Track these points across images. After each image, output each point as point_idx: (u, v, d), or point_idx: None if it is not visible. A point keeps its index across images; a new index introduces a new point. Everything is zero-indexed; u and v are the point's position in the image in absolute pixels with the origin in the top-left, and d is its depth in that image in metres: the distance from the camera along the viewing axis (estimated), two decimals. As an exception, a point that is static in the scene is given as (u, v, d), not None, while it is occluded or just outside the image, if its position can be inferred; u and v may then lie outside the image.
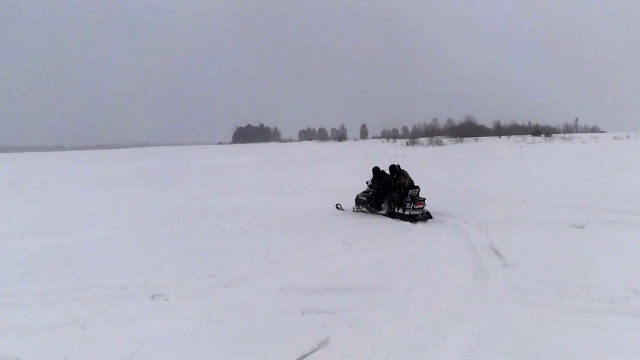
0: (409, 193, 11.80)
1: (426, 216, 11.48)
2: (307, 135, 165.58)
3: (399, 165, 12.63)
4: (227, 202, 16.47)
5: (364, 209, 13.32)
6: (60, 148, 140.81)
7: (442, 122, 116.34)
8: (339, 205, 13.97)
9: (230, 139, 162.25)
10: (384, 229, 10.64)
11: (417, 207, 11.51)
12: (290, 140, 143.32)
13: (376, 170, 13.42)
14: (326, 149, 69.79)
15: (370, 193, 13.16)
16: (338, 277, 6.86)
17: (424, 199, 11.77)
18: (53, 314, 5.65)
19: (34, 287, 6.76)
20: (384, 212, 12.68)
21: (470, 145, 61.60)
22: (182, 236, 10.59)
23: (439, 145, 66.64)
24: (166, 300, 6.10)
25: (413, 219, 11.39)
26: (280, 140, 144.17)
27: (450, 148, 57.39)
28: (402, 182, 12.10)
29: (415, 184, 12.19)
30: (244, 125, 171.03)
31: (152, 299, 6.15)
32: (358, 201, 13.49)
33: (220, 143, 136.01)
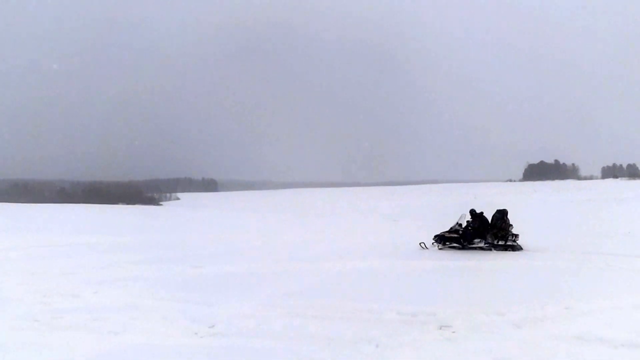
0: (510, 229, 14.96)
1: (520, 247, 14.61)
2: (611, 171, 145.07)
3: (506, 210, 15.44)
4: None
5: (455, 245, 15.49)
6: (356, 184, 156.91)
7: None
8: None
9: (521, 176, 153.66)
10: None
11: (517, 240, 14.80)
12: (590, 178, 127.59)
13: (473, 212, 15.95)
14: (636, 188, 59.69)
15: (463, 230, 15.61)
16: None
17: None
18: (350, 330, 6.17)
19: (334, 303, 7.55)
20: (477, 245, 15.23)
21: None
22: (466, 270, 10.77)
23: None
24: (453, 332, 6.06)
25: (513, 248, 14.61)
26: (578, 178, 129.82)
27: None
28: (508, 221, 15.08)
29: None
30: (535, 161, 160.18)
31: (440, 329, 6.19)
32: (445, 239, 15.63)
33: (509, 180, 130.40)
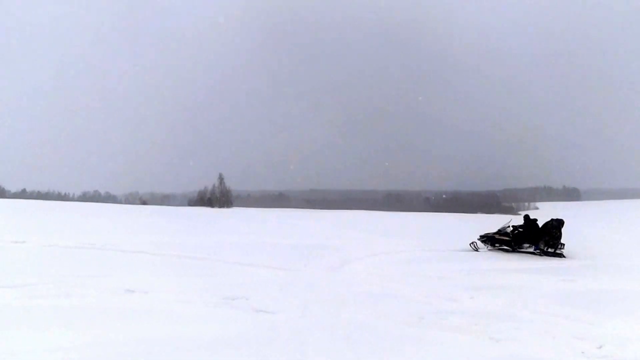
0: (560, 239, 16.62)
1: (564, 256, 16.07)
2: None
3: (563, 220, 16.70)
4: None
5: (505, 247, 17.30)
6: None
7: None
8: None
9: None
10: None
11: (562, 249, 16.39)
12: None
13: (527, 218, 17.52)
14: None
15: (514, 234, 17.20)
16: None
17: None
18: None
19: None
20: (527, 250, 17.01)
21: None
22: None
23: None
24: None
25: (561, 256, 16.07)
26: None
27: None
28: (561, 232, 16.56)
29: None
30: None
31: None
32: (495, 240, 17.49)
33: None
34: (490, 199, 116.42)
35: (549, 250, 16.36)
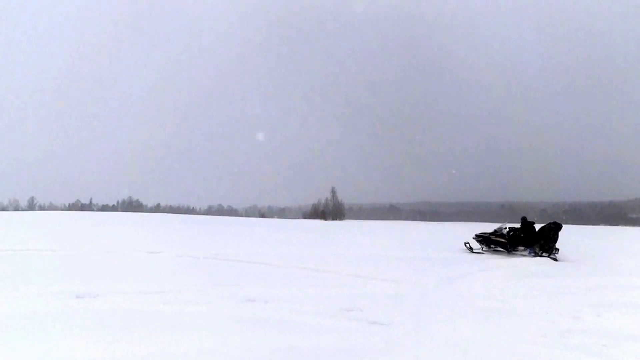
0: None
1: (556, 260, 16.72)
2: None
3: (561, 225, 17.38)
4: None
5: (500, 248, 17.84)
6: None
7: None
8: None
9: None
10: None
11: (557, 253, 17.03)
12: None
13: (524, 221, 17.88)
14: None
15: (510, 236, 17.75)
16: None
17: None
18: None
19: None
20: (522, 252, 17.60)
21: None
22: None
23: None
24: None
25: (555, 259, 16.53)
26: None
27: None
28: (557, 236, 17.19)
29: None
30: None
31: None
32: (490, 240, 18.02)
33: None
34: (614, 210, 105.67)
35: (544, 254, 17.05)
